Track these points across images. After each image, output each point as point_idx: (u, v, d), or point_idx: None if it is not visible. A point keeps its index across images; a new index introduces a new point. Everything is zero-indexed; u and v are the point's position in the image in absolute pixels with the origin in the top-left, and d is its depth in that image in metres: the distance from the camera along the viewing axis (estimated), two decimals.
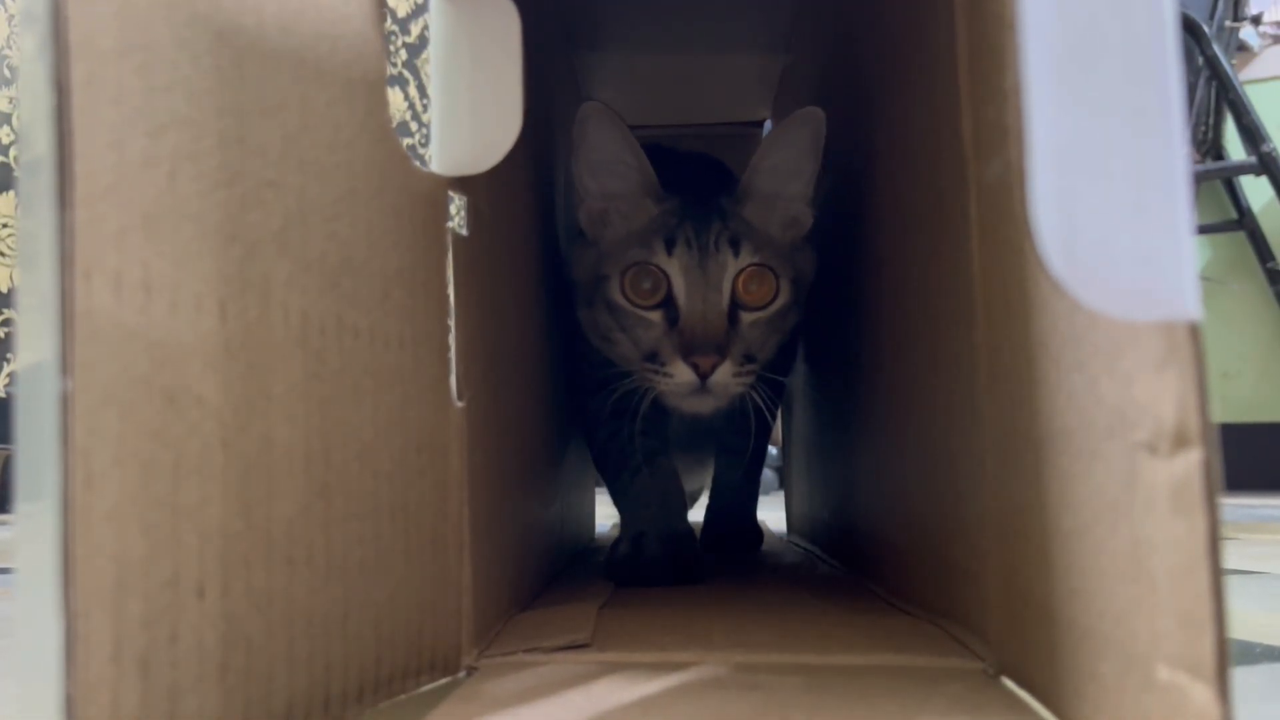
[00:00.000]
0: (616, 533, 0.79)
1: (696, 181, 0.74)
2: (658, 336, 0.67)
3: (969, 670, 0.42)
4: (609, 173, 0.70)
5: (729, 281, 0.67)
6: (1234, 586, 0.72)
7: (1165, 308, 0.23)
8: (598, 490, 1.11)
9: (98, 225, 0.26)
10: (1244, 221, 2.33)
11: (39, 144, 0.25)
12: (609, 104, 0.69)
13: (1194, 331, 0.23)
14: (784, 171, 0.70)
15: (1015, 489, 0.38)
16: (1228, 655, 0.23)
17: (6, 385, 2.04)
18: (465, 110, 0.46)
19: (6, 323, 2.08)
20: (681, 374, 0.65)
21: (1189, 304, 0.22)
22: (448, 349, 0.45)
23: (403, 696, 0.39)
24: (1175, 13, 0.24)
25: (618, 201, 0.71)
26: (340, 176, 0.37)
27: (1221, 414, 2.40)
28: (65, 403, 0.24)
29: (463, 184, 0.47)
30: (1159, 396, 0.24)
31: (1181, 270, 0.22)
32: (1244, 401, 2.42)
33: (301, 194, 0.35)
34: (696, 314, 0.66)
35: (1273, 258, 2.29)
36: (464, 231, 0.47)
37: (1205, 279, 2.45)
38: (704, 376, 0.65)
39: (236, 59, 0.32)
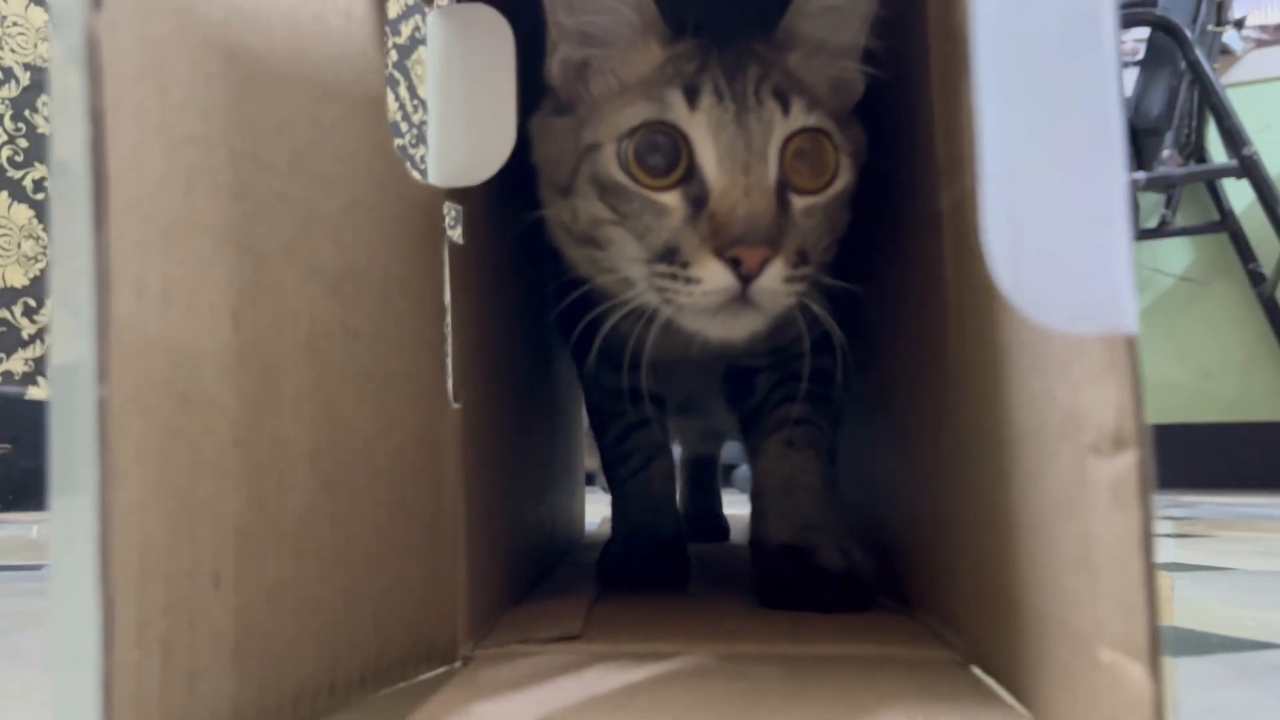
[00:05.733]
0: (605, 528, 0.80)
1: (720, 17, 0.56)
2: (676, 226, 0.49)
3: (940, 659, 0.44)
4: (593, 4, 0.52)
5: (776, 147, 0.49)
6: (1201, 581, 0.74)
7: (1106, 322, 0.25)
8: (588, 490, 1.13)
9: (121, 238, 0.28)
10: (1226, 223, 2.37)
11: (76, 164, 0.27)
12: None
13: (1131, 344, 0.25)
14: (836, 13, 0.53)
15: (984, 485, 0.40)
16: (1160, 638, 0.25)
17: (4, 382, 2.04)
18: (460, 124, 0.48)
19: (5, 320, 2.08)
20: (714, 277, 0.46)
21: (1127, 318, 0.25)
22: (444, 353, 0.47)
23: (402, 684, 0.41)
24: (1115, 41, 0.26)
25: (605, 49, 0.53)
26: (345, 188, 0.39)
27: (1204, 413, 2.44)
28: (102, 408, 0.26)
29: (459, 194, 0.49)
30: (1101, 402, 0.27)
31: (1120, 287, 0.24)
32: (1226, 401, 2.46)
33: (309, 206, 0.37)
34: (736, 189, 0.48)
35: (1255, 259, 2.33)
36: (460, 240, 0.49)
37: (1189, 280, 2.49)
38: (747, 279, 0.46)
39: (247, 79, 0.34)
